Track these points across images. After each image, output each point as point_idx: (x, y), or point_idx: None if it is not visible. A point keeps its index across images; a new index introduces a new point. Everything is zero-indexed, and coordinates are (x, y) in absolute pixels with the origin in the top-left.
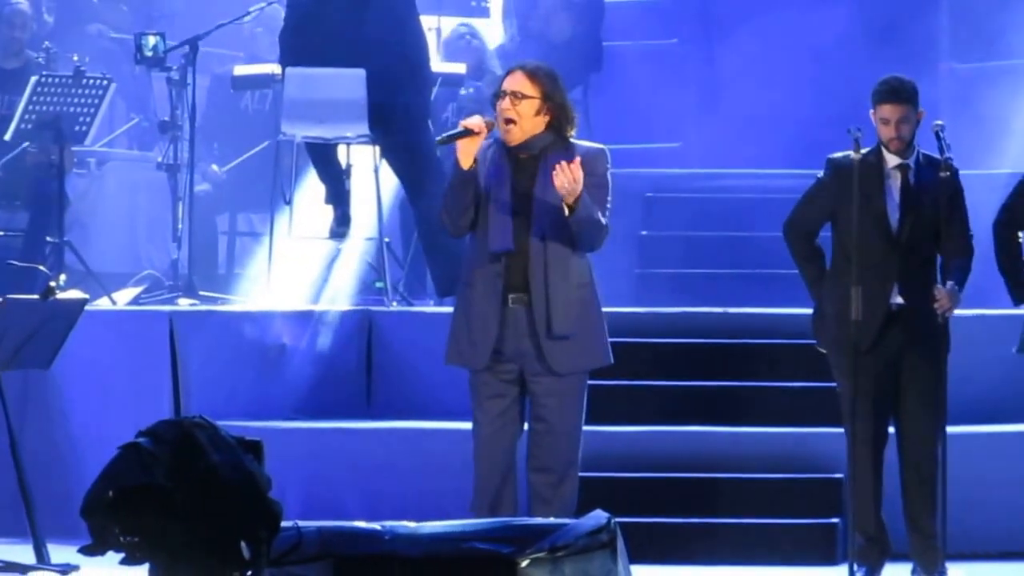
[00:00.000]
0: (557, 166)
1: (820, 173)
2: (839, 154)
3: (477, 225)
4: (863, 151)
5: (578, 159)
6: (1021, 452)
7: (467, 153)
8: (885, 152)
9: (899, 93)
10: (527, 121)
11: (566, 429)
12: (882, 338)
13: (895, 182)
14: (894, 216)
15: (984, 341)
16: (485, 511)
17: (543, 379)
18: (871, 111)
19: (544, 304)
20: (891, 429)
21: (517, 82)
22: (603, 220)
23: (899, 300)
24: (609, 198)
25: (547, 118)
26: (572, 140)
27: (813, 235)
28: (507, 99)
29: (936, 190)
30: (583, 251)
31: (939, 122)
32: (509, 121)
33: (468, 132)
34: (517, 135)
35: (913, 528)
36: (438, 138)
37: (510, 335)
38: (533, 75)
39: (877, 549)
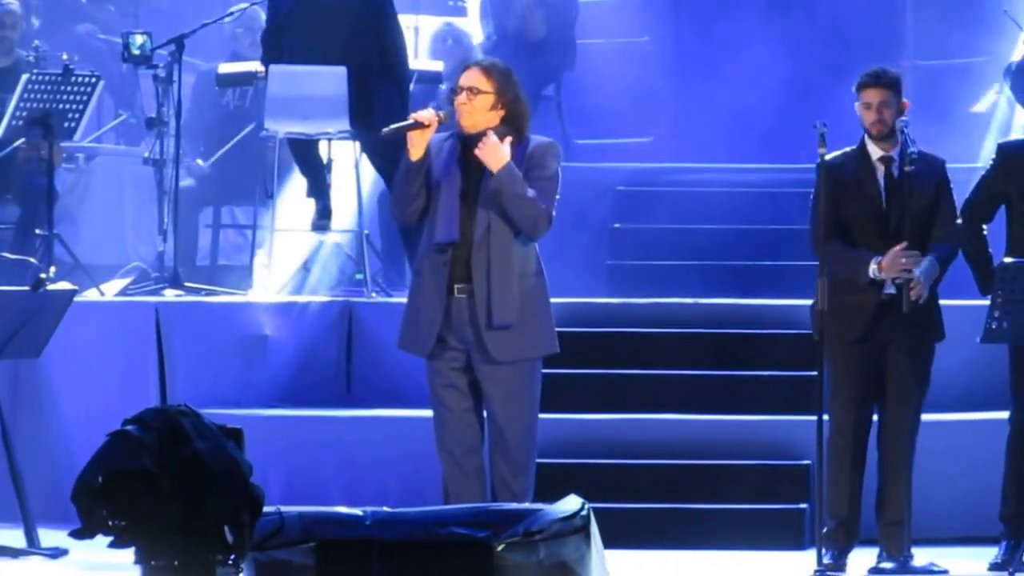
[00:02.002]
0: (483, 139)
1: (785, 166)
2: (832, 155)
3: (429, 216)
4: (847, 149)
5: (507, 139)
6: (984, 440)
7: (418, 145)
8: (869, 145)
9: (881, 77)
10: (481, 115)
11: (514, 416)
12: (874, 328)
13: (879, 174)
14: (880, 207)
15: (951, 331)
16: (453, 498)
17: (487, 368)
18: (856, 103)
19: (485, 294)
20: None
21: (472, 78)
22: (548, 210)
23: (891, 290)
24: (557, 192)
25: (501, 113)
26: (527, 134)
27: (832, 230)
28: (463, 94)
29: (921, 180)
30: (524, 237)
31: (904, 117)
32: (463, 114)
33: (418, 124)
34: (469, 125)
35: (883, 514)
36: (384, 129)
37: (455, 324)
38: (488, 71)
39: (845, 534)
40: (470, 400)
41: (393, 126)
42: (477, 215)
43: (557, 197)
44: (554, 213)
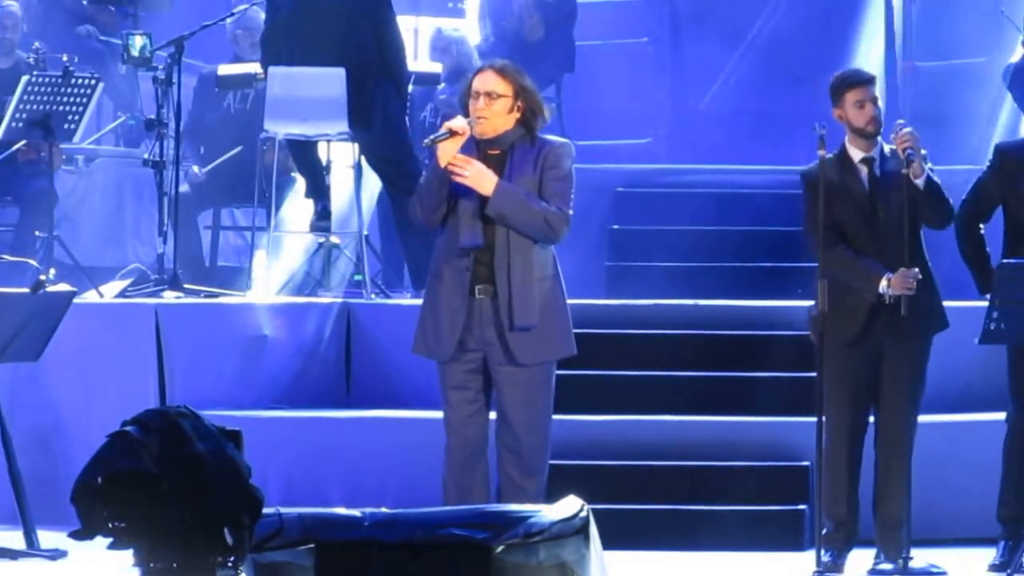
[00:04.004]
0: (457, 173)
1: (784, 168)
2: (811, 165)
3: (447, 220)
4: (829, 155)
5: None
6: (984, 441)
7: (448, 154)
8: (850, 148)
9: (865, 75)
10: (500, 119)
11: (531, 418)
12: (870, 329)
13: (862, 175)
14: (868, 208)
15: (949, 332)
16: (455, 499)
17: (506, 369)
18: (835, 109)
19: (507, 297)
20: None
21: (489, 82)
22: (564, 211)
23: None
24: (572, 191)
25: (518, 114)
26: (539, 135)
27: (831, 234)
28: (481, 99)
29: (902, 178)
30: (542, 243)
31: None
32: (482, 119)
33: (452, 133)
34: (488, 130)
35: (881, 516)
36: (425, 141)
37: (475, 325)
38: (503, 73)
39: (844, 535)
40: (481, 402)
41: (432, 137)
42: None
43: (572, 196)
44: (571, 212)
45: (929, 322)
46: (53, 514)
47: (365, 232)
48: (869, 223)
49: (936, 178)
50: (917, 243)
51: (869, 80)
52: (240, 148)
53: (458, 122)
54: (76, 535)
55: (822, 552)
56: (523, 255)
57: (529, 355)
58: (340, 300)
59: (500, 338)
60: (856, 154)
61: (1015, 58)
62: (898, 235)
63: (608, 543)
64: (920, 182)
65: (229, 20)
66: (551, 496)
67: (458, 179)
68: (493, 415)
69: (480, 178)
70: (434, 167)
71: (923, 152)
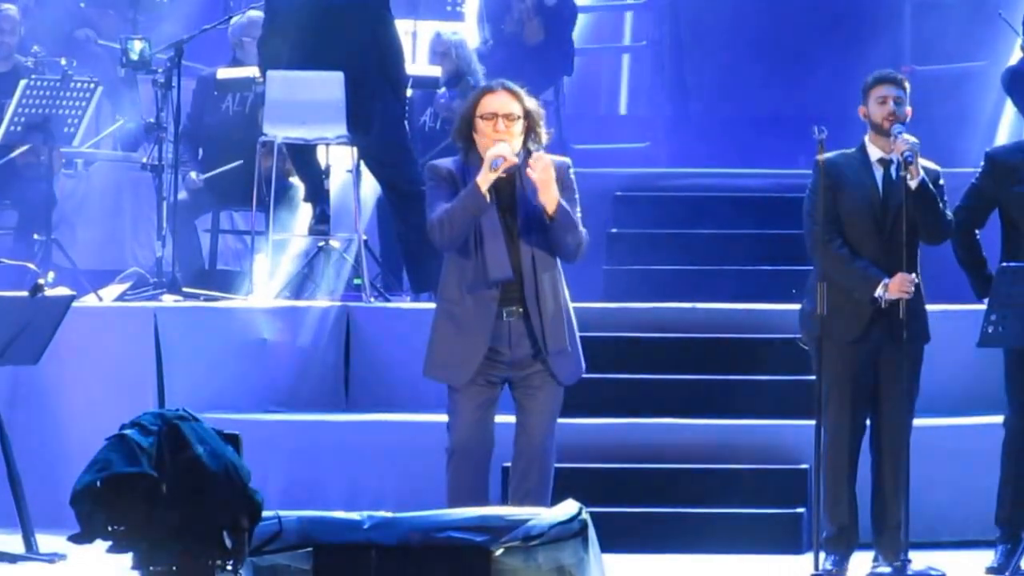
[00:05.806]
0: (530, 167)
1: (783, 172)
2: (831, 153)
3: (466, 248)
4: (847, 150)
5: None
6: (981, 444)
7: (489, 180)
8: (869, 146)
9: (894, 75)
10: (517, 140)
11: (550, 429)
12: (868, 330)
13: (877, 174)
14: (876, 207)
15: (947, 335)
16: (461, 502)
17: (542, 387)
18: (861, 107)
19: (539, 321)
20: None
21: (507, 103)
22: (584, 231)
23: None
24: (579, 209)
25: (523, 135)
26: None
27: (831, 228)
28: (500, 121)
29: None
30: (566, 259)
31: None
32: (503, 141)
33: (501, 163)
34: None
35: (879, 518)
36: (494, 172)
37: (504, 347)
38: (516, 94)
39: (847, 538)
40: (493, 407)
41: (501, 170)
42: (520, 247)
43: (579, 213)
44: (583, 230)
45: (921, 332)
46: (52, 517)
47: (364, 236)
48: (876, 223)
49: (931, 186)
50: (915, 250)
51: (896, 81)
52: (240, 162)
53: (507, 150)
54: (75, 538)
55: (825, 556)
56: (550, 280)
57: (569, 375)
58: (339, 304)
59: (534, 359)
60: (875, 152)
61: (1013, 61)
62: (905, 243)
63: (606, 546)
64: (913, 183)
65: (231, 22)
66: (550, 499)
67: (529, 172)
68: (500, 419)
69: (550, 189)
70: (476, 196)
71: (937, 168)
